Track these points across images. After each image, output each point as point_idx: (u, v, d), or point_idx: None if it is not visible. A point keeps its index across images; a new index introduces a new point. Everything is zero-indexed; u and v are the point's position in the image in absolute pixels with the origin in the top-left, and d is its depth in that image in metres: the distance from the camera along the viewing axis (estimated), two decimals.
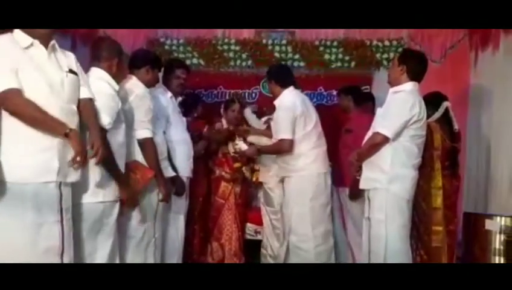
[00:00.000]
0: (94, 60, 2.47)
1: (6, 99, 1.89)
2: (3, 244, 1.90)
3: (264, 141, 3.61)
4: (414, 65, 2.72)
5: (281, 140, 3.22)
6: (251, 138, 3.70)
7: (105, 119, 2.28)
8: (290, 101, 3.22)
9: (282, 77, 3.31)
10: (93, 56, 2.48)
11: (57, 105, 2.01)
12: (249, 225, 3.94)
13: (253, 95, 4.70)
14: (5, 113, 1.92)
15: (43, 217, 1.96)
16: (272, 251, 3.67)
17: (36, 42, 2.01)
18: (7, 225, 1.90)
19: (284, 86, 3.29)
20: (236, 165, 3.75)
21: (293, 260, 3.21)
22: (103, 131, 2.26)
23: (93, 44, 2.55)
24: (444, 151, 3.08)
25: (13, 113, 1.91)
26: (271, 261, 3.68)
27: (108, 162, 2.28)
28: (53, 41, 2.08)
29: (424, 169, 2.94)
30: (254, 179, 3.84)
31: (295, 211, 3.19)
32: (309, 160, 3.22)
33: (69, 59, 2.17)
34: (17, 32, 2.00)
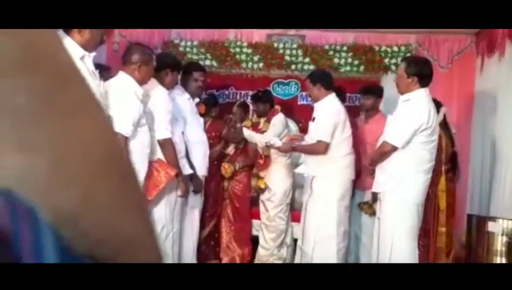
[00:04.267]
0: (123, 64, 2.62)
1: None
2: None
3: (256, 138, 3.80)
4: (423, 74, 2.80)
5: (319, 142, 3.36)
6: (244, 132, 3.88)
7: (127, 128, 2.44)
8: (336, 107, 3.38)
9: (328, 81, 3.47)
10: (122, 60, 2.64)
11: None
12: (254, 221, 4.08)
13: None
14: None
15: None
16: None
17: (86, 54, 2.18)
18: None
19: (329, 90, 3.45)
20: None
21: (317, 255, 3.36)
22: (123, 138, 2.40)
23: (125, 49, 2.69)
24: (446, 155, 3.24)
25: None
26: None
27: None
28: (94, 53, 2.25)
29: (432, 173, 3.05)
30: (263, 186, 3.93)
31: (322, 210, 3.35)
32: (342, 165, 3.37)
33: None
34: (72, 43, 2.14)
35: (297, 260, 3.55)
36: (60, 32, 2.14)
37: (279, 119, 3.93)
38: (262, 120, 4.03)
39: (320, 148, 3.37)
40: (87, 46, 2.19)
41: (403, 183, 2.74)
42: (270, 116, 3.97)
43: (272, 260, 3.92)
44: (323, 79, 3.47)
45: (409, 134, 2.72)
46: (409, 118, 2.74)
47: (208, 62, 4.80)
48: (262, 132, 3.93)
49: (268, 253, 3.93)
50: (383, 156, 2.82)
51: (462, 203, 4.18)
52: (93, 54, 2.26)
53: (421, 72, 2.79)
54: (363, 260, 3.62)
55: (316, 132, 3.42)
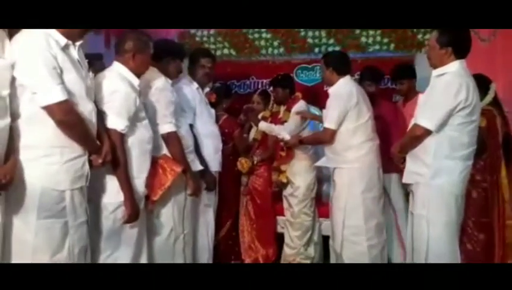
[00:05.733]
0: (116, 53, 2.39)
1: (60, 111, 1.89)
2: (46, 246, 1.91)
3: (276, 131, 3.53)
4: (459, 43, 2.38)
5: (324, 129, 3.10)
6: (262, 126, 3.60)
7: (122, 124, 2.22)
8: (346, 91, 3.05)
9: (342, 64, 3.16)
10: (116, 49, 2.41)
11: (88, 106, 2.04)
12: (279, 218, 3.82)
13: None
14: (37, 120, 1.90)
15: (77, 219, 2.00)
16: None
17: (70, 43, 1.99)
18: (49, 229, 1.91)
19: (342, 74, 3.13)
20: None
21: (347, 253, 3.06)
22: (117, 134, 2.21)
23: (119, 37, 2.46)
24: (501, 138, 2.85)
25: (62, 124, 1.91)
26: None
27: (117, 168, 2.22)
28: (81, 42, 2.05)
29: (489, 159, 2.73)
30: (284, 180, 3.65)
31: (347, 204, 3.05)
32: (362, 152, 3.05)
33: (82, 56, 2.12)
34: (53, 32, 1.95)
35: (332, 261, 3.25)
36: None
37: (300, 107, 3.62)
38: (282, 109, 3.73)
39: (326, 136, 3.07)
40: (70, 35, 1.99)
41: (438, 173, 2.36)
42: (291, 104, 3.66)
43: (299, 259, 3.63)
44: (337, 62, 3.14)
45: (444, 114, 2.32)
46: (444, 96, 2.33)
47: (226, 51, 4.63)
48: (282, 122, 3.63)
49: (294, 252, 3.64)
50: (414, 141, 2.44)
51: None
52: (79, 42, 2.05)
53: (456, 41, 2.37)
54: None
55: (324, 118, 3.12)
